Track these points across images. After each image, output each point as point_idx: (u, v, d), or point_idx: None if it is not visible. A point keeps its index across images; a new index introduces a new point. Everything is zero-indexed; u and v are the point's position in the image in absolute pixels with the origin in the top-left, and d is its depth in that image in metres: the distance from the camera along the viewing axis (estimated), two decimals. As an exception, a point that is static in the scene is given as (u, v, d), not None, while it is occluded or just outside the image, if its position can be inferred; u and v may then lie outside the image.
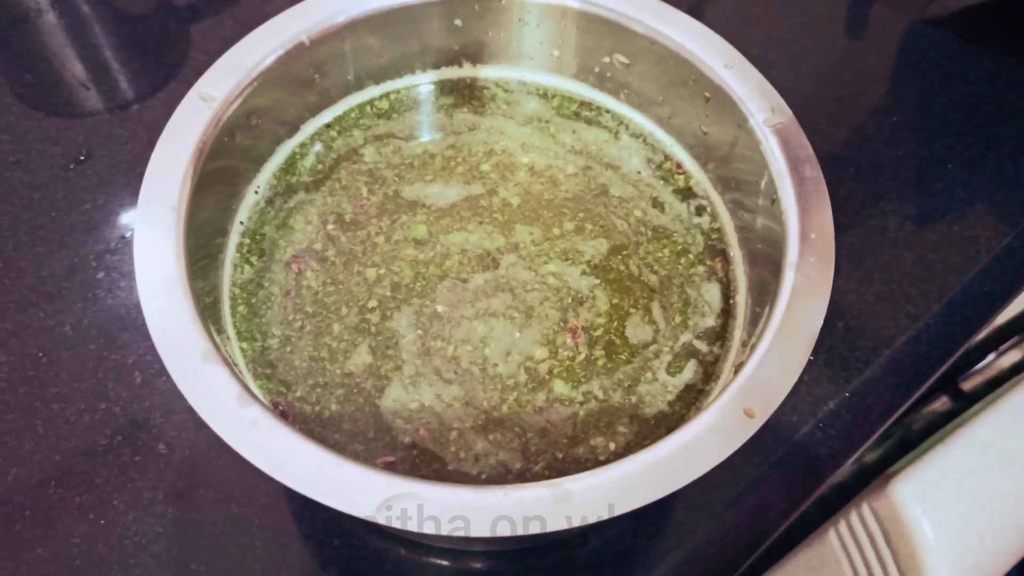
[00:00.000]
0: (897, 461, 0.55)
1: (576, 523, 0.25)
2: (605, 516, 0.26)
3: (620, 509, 0.26)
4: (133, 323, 0.43)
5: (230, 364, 0.28)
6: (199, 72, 0.35)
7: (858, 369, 0.44)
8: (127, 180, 0.48)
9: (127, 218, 0.47)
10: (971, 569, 0.48)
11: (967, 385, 0.70)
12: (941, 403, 0.67)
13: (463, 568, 0.39)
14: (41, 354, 0.42)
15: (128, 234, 0.47)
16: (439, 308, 0.36)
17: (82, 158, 0.49)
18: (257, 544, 0.38)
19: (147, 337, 0.43)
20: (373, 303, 0.36)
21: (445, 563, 0.39)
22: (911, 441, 0.60)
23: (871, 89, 0.56)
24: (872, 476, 0.55)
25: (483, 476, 0.33)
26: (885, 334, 0.45)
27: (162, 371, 0.42)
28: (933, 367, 0.45)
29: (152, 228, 0.30)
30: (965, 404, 0.65)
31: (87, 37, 0.55)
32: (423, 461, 0.33)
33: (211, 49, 0.35)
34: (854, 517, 0.52)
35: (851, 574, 0.52)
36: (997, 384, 0.67)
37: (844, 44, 0.60)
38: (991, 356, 0.71)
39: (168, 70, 0.54)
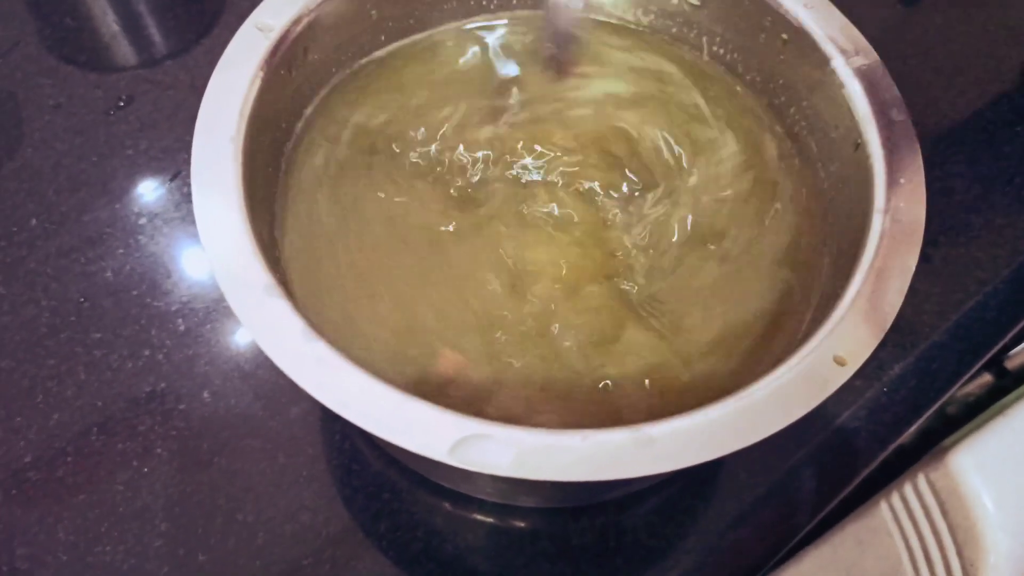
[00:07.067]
0: (939, 441, 0.53)
1: (659, 469, 0.24)
2: (689, 463, 0.24)
3: (704, 456, 0.24)
4: (176, 270, 0.42)
5: (293, 299, 0.27)
6: (242, 18, 0.34)
7: (924, 333, 0.42)
8: (169, 126, 0.47)
9: (169, 163, 0.46)
10: (1030, 545, 0.46)
11: (1011, 364, 0.68)
12: (978, 384, 0.65)
13: (513, 525, 0.37)
14: (83, 299, 0.42)
15: (170, 180, 0.45)
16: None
17: (122, 103, 0.48)
18: (305, 496, 0.37)
19: (191, 285, 0.42)
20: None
21: (494, 520, 0.38)
22: (951, 421, 0.58)
23: (935, 52, 0.54)
24: (910, 456, 0.53)
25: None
26: (953, 298, 0.43)
27: (206, 319, 0.41)
28: (1001, 333, 0.43)
29: (210, 159, 0.29)
30: (1011, 382, 0.63)
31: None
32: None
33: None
34: (908, 489, 0.50)
35: (903, 547, 0.50)
36: (1044, 363, 0.65)
37: (900, 10, 0.58)
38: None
39: (210, 16, 0.52)
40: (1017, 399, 0.53)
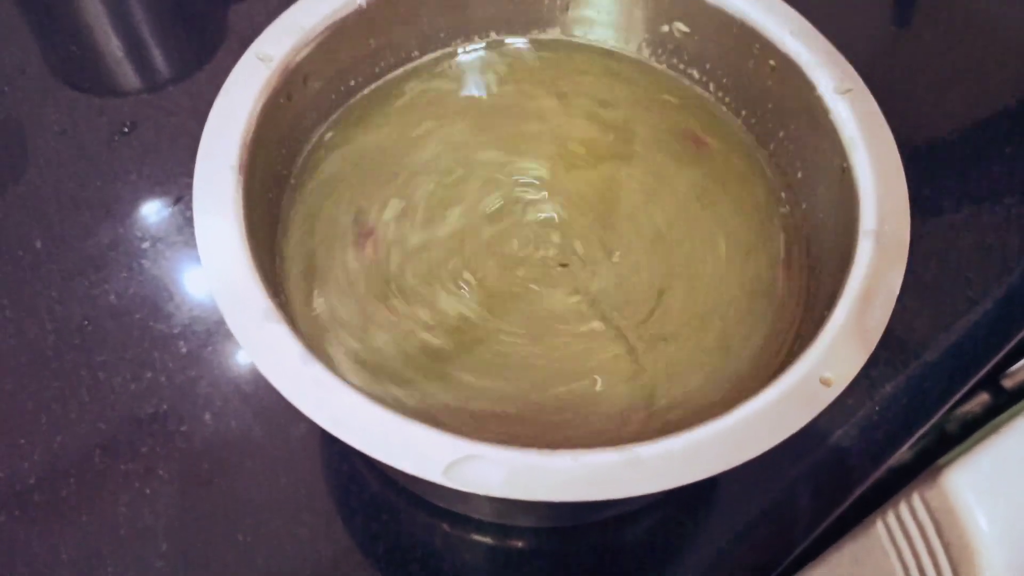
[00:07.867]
0: (935, 460, 0.54)
1: (649, 489, 0.25)
2: (678, 483, 0.25)
3: (693, 477, 0.25)
4: (178, 293, 0.43)
5: (292, 324, 0.27)
6: (245, 44, 0.35)
7: (916, 352, 0.43)
8: (172, 151, 0.48)
9: (172, 188, 0.47)
10: (1026, 562, 0.47)
11: (1008, 383, 0.68)
12: (976, 403, 0.65)
13: (511, 545, 0.38)
14: (86, 322, 0.42)
15: (173, 204, 0.46)
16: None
17: (126, 130, 0.49)
18: (304, 516, 0.37)
19: (192, 308, 0.43)
20: None
21: (491, 540, 0.38)
22: (949, 440, 0.59)
23: (926, 71, 0.55)
24: (910, 475, 0.54)
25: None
26: (943, 317, 0.44)
27: (207, 341, 0.42)
28: (992, 351, 0.44)
29: (211, 186, 0.30)
30: (1008, 400, 0.64)
31: (130, 11, 0.55)
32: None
33: (257, 21, 0.35)
34: (903, 508, 0.50)
35: (899, 566, 0.50)
36: (1040, 381, 0.65)
37: (892, 31, 0.59)
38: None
39: (213, 42, 0.53)
40: (1011, 417, 0.53)
